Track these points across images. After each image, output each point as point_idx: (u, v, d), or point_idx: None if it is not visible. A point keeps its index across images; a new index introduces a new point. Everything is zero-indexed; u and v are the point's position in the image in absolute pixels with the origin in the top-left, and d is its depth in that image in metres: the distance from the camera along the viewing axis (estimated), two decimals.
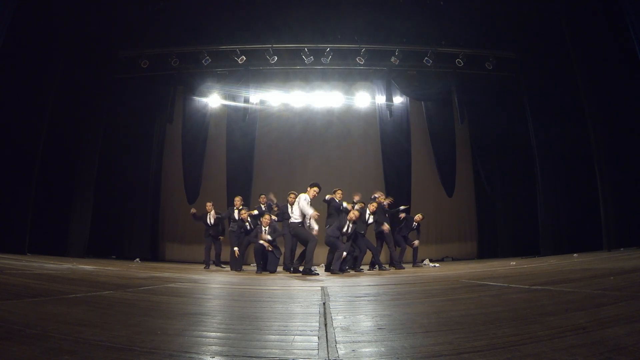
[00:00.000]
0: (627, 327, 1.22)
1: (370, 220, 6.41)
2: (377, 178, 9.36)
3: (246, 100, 9.33)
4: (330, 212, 6.10)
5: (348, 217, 5.71)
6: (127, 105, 9.05)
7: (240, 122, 9.38)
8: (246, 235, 6.65)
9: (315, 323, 1.51)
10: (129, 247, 8.69)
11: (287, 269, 5.88)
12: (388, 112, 9.40)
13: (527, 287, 2.55)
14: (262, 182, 9.27)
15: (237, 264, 6.44)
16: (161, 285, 3.19)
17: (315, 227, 5.47)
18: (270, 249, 6.10)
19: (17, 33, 6.06)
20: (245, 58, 8.85)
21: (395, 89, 9.46)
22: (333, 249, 5.68)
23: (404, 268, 6.47)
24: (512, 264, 5.74)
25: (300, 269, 5.43)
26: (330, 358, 1.03)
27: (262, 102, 9.60)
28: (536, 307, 1.80)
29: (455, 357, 1.01)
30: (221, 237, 7.29)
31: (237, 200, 7.04)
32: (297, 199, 5.65)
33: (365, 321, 1.61)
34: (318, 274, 5.12)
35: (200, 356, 1.06)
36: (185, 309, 2.03)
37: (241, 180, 9.02)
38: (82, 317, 1.57)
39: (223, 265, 7.15)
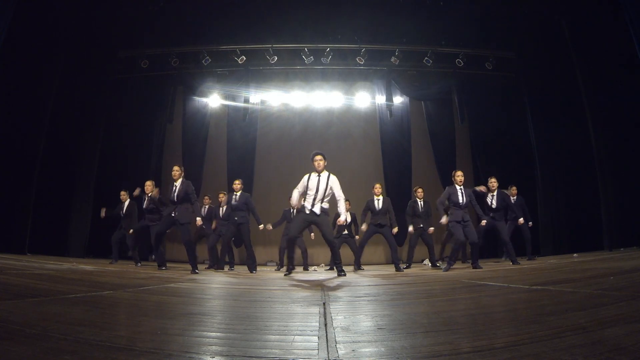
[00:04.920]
0: (627, 327, 1.22)
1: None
2: (377, 178, 9.34)
3: (246, 100, 9.33)
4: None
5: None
6: (127, 105, 9.04)
7: (241, 122, 9.38)
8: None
9: (315, 323, 1.51)
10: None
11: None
12: (388, 112, 9.41)
13: (527, 287, 2.55)
14: (263, 182, 9.28)
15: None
16: (161, 285, 3.19)
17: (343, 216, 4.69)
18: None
19: (17, 33, 6.06)
20: (245, 58, 8.85)
21: (395, 89, 9.46)
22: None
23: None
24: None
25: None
26: (330, 358, 1.03)
27: (262, 102, 9.60)
28: (536, 307, 1.80)
29: (455, 357, 1.01)
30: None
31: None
32: (328, 179, 4.65)
33: (365, 321, 1.61)
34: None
35: (200, 356, 1.06)
36: (185, 309, 2.03)
37: (242, 180, 9.00)
38: (82, 317, 1.57)
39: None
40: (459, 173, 5.53)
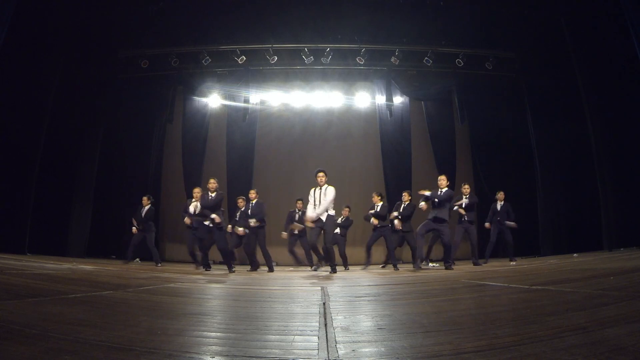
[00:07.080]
0: (627, 327, 1.22)
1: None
2: (377, 178, 9.35)
3: (246, 100, 9.33)
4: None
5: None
6: (127, 105, 9.04)
7: (240, 122, 9.38)
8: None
9: (315, 323, 1.51)
10: (129, 247, 8.68)
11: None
12: (388, 112, 9.40)
13: (527, 287, 2.55)
14: (263, 182, 9.26)
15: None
16: (161, 285, 3.19)
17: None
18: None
19: (17, 33, 6.06)
20: (245, 58, 8.85)
21: (395, 89, 9.45)
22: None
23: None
24: (512, 264, 5.75)
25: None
26: (330, 358, 1.03)
27: (262, 102, 9.60)
28: (536, 307, 1.80)
29: (455, 357, 1.01)
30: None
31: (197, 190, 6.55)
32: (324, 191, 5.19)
33: (365, 321, 1.61)
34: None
35: (200, 356, 1.06)
36: (185, 309, 2.03)
37: (241, 180, 9.00)
38: (82, 317, 1.56)
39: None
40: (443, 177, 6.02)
